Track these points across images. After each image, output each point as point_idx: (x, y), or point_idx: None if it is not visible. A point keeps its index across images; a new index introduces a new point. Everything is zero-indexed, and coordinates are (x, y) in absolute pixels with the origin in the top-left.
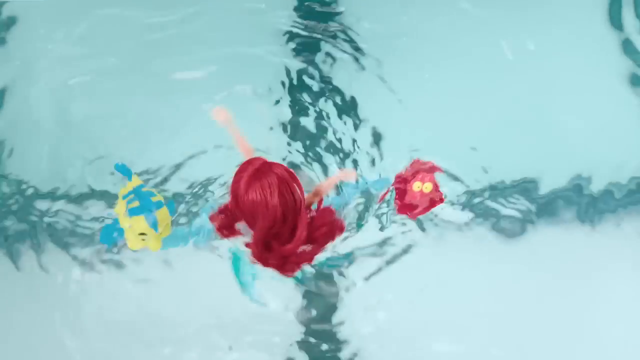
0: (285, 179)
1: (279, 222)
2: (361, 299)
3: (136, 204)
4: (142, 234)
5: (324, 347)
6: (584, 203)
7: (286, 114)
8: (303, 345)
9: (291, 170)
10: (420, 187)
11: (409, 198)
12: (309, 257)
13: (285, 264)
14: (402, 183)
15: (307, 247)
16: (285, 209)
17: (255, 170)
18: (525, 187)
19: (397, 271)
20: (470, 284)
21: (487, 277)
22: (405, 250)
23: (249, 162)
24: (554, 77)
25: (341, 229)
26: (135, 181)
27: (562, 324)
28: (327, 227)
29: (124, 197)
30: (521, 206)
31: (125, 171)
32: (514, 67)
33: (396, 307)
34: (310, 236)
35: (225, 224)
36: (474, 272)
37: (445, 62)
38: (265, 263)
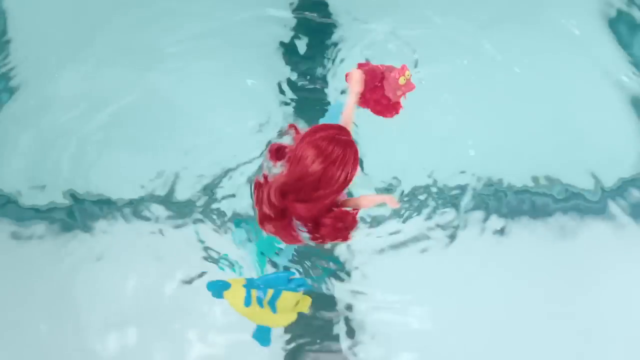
0: (347, 160)
1: (309, 183)
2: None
3: (271, 292)
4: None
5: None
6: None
7: None
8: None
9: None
10: (405, 79)
11: (392, 95)
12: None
13: (283, 229)
14: (381, 98)
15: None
16: (325, 179)
17: (338, 136)
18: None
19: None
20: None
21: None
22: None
23: (340, 128)
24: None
25: (346, 235)
26: (238, 281)
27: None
28: (340, 223)
29: (247, 302)
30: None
31: (221, 285)
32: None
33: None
34: (319, 221)
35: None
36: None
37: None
38: (266, 218)
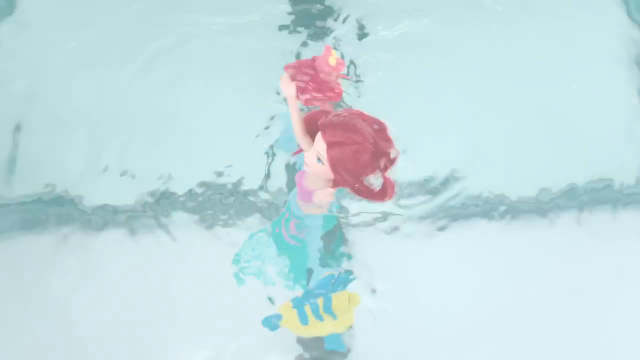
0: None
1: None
2: None
3: (321, 301)
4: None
5: None
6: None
7: None
8: None
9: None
10: (334, 59)
11: (328, 80)
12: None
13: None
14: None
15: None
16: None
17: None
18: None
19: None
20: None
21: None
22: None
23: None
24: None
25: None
26: (286, 306)
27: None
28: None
29: (304, 320)
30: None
31: (274, 318)
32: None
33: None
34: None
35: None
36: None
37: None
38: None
